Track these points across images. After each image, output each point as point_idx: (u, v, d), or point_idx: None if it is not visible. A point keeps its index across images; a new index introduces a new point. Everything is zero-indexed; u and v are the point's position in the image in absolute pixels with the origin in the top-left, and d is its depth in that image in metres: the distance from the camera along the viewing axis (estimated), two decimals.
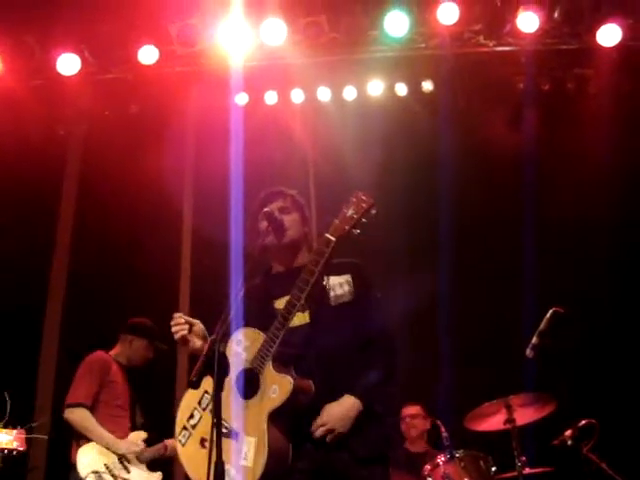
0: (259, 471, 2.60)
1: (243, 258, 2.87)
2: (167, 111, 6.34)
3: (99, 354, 4.67)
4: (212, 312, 2.82)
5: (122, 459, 4.37)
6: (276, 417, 2.65)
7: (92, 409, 4.40)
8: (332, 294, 2.88)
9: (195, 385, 2.50)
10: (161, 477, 4.56)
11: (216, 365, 2.40)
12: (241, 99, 6.49)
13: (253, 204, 3.09)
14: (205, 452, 2.65)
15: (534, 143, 6.14)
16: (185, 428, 2.80)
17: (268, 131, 6.33)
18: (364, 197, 2.73)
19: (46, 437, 4.35)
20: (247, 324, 2.81)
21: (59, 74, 6.02)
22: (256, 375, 2.71)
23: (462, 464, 4.44)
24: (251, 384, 2.72)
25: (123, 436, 4.47)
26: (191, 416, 2.82)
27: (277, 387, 2.65)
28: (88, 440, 4.34)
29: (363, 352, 2.86)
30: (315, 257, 2.74)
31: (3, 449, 3.56)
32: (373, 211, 2.72)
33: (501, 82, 6.35)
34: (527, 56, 6.13)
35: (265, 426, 2.63)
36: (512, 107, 6.38)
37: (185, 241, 6.64)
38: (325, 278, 2.89)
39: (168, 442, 4.58)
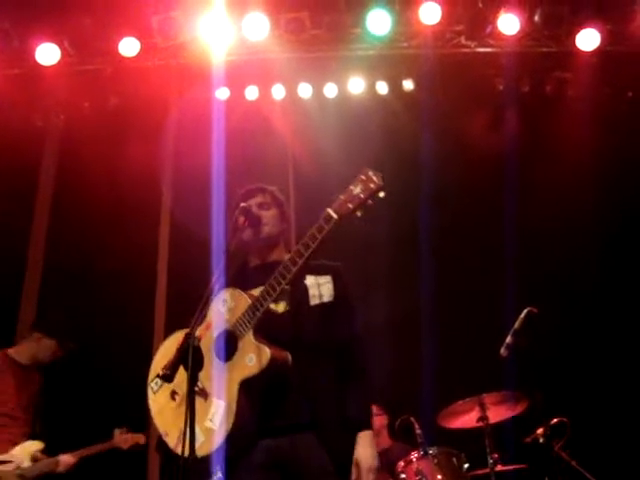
0: (222, 435, 2.56)
1: (222, 253, 2.83)
2: (147, 104, 6.29)
3: None
4: (189, 306, 2.80)
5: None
6: (248, 386, 2.60)
7: None
8: (311, 292, 2.83)
9: (168, 379, 2.46)
10: None
11: (190, 359, 2.39)
12: (222, 93, 6.47)
13: (233, 200, 3.04)
14: (174, 405, 2.72)
15: (514, 144, 6.20)
16: (159, 376, 2.69)
17: (249, 126, 6.32)
18: (374, 177, 2.55)
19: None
20: None
21: (38, 64, 5.96)
22: (235, 339, 2.66)
23: (435, 461, 4.46)
24: (228, 346, 2.67)
25: (7, 448, 4.10)
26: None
27: (254, 356, 2.59)
28: None
29: (339, 357, 2.80)
30: (313, 232, 2.59)
31: None
32: (381, 194, 2.54)
33: (481, 83, 6.41)
34: (508, 58, 6.20)
35: (236, 393, 2.59)
36: (492, 108, 6.45)
37: (163, 235, 6.59)
38: (305, 277, 2.85)
39: (62, 458, 4.25)
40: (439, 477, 4.41)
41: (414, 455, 4.52)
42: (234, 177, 5.60)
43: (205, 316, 2.69)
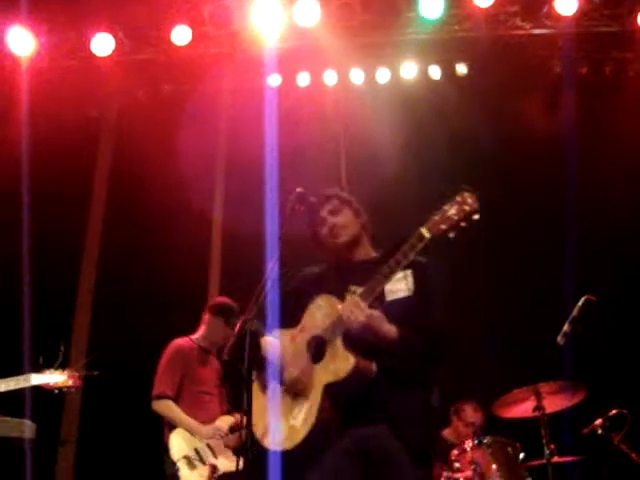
0: (302, 435, 2.65)
1: (278, 241, 2.84)
2: (200, 92, 6.35)
3: (177, 343, 4.74)
4: (243, 290, 2.82)
5: (209, 444, 4.49)
6: (332, 391, 2.67)
7: (177, 398, 4.53)
8: (387, 288, 2.78)
9: (229, 364, 2.52)
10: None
11: (247, 345, 2.42)
12: (274, 80, 6.46)
13: (295, 209, 2.98)
14: (265, 399, 2.82)
15: (572, 128, 6.04)
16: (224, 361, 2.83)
17: (301, 113, 6.30)
18: (470, 200, 2.55)
19: (96, 373, 4.32)
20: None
21: (93, 54, 6.06)
22: (325, 344, 2.73)
23: (490, 450, 4.42)
24: (319, 351, 2.74)
25: (210, 421, 4.56)
26: None
27: (339, 363, 2.65)
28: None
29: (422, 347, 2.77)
30: (406, 250, 2.62)
31: (61, 387, 3.74)
32: (476, 217, 2.54)
33: (538, 66, 6.26)
34: (565, 39, 6.03)
35: (320, 396, 2.67)
36: (549, 91, 6.29)
37: (216, 222, 6.66)
38: None
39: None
40: (494, 467, 4.37)
41: (468, 444, 4.48)
42: (287, 164, 5.61)
43: (262, 305, 2.73)
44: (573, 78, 6.18)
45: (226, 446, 4.57)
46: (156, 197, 6.11)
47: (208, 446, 4.48)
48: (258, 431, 2.75)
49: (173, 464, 4.35)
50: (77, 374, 3.85)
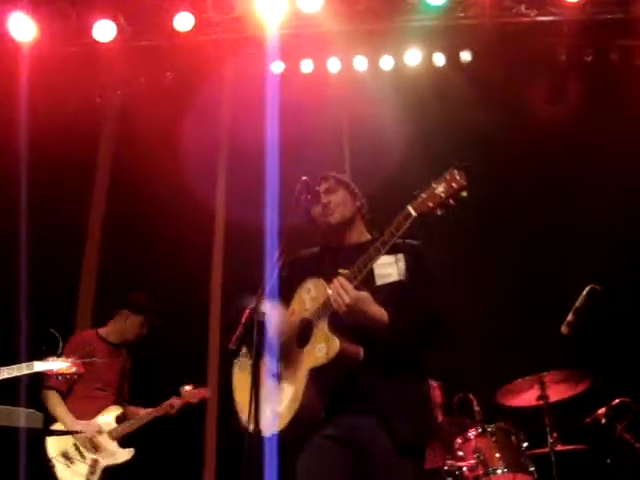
0: (287, 420, 2.63)
1: (281, 229, 2.83)
2: (203, 79, 6.31)
3: (79, 336, 4.76)
4: (246, 278, 2.81)
5: (91, 438, 4.48)
6: (317, 375, 2.64)
7: (69, 392, 4.53)
8: (377, 272, 2.77)
9: (235, 354, 2.51)
10: (132, 453, 4.63)
11: (255, 335, 2.41)
12: (277, 67, 6.43)
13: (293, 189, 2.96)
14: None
15: (577, 115, 6.00)
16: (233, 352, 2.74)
17: (304, 100, 6.25)
18: (458, 176, 2.47)
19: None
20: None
21: (95, 41, 6.02)
22: (312, 327, 2.70)
23: (494, 438, 4.42)
24: (305, 335, 2.72)
25: (95, 416, 4.57)
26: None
27: (325, 346, 2.62)
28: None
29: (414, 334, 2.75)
30: (392, 229, 2.58)
31: (65, 374, 3.78)
32: (464, 193, 2.47)
33: (542, 53, 6.21)
34: (570, 26, 5.98)
35: (305, 380, 2.64)
36: (554, 79, 6.24)
37: (219, 210, 6.64)
38: None
39: (142, 412, 4.73)
40: (497, 455, 4.37)
41: (472, 432, 4.48)
42: (290, 151, 5.58)
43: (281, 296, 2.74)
44: (578, 65, 6.14)
45: (113, 438, 4.56)
46: (158, 184, 6.08)
47: (90, 441, 4.46)
48: (245, 418, 2.68)
49: (48, 461, 4.34)
50: (79, 361, 3.88)
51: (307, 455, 2.70)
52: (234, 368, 2.91)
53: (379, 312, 2.66)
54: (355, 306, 2.59)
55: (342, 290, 2.59)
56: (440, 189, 2.48)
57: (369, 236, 3.00)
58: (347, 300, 2.57)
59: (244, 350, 2.68)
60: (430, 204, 2.49)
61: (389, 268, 2.78)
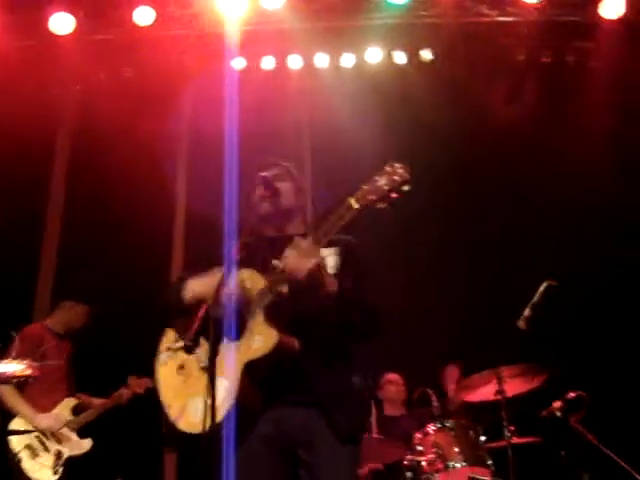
0: (220, 414, 2.53)
1: (237, 226, 2.75)
2: (163, 74, 6.26)
3: (29, 330, 4.70)
4: (205, 269, 2.78)
5: (53, 430, 4.53)
6: (253, 368, 2.57)
7: (23, 385, 4.44)
8: None
9: (191, 349, 2.45)
10: (91, 443, 4.71)
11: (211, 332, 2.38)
12: (238, 64, 6.39)
13: (248, 171, 2.97)
14: (179, 379, 2.70)
15: (534, 116, 6.09)
16: (169, 349, 2.71)
17: (265, 97, 6.24)
18: (400, 170, 2.48)
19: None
20: None
21: (52, 33, 5.91)
22: (246, 320, 2.62)
23: (452, 433, 4.47)
24: (240, 327, 2.63)
25: (52, 408, 4.60)
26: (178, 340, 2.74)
27: (261, 338, 2.55)
28: None
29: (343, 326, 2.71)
30: (333, 220, 2.54)
31: (20, 376, 3.67)
32: (406, 187, 2.47)
33: (502, 53, 6.30)
34: (529, 27, 6.06)
35: (239, 373, 2.56)
36: (512, 78, 6.33)
37: (179, 206, 6.59)
38: None
39: (95, 402, 4.85)
40: (456, 449, 4.41)
41: (431, 427, 4.52)
42: (250, 148, 5.54)
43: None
44: (536, 66, 6.23)
45: (72, 429, 4.63)
46: (118, 175, 6.00)
47: (52, 433, 4.50)
48: (173, 413, 2.65)
49: (14, 456, 4.35)
50: (35, 364, 3.82)
51: (240, 461, 2.53)
52: (155, 364, 2.80)
53: (332, 282, 2.63)
54: (317, 270, 2.53)
55: (301, 257, 2.52)
56: (382, 181, 2.48)
57: (304, 230, 2.92)
58: (308, 265, 2.50)
59: (170, 346, 2.63)
60: (372, 197, 2.49)
61: (328, 260, 2.73)
